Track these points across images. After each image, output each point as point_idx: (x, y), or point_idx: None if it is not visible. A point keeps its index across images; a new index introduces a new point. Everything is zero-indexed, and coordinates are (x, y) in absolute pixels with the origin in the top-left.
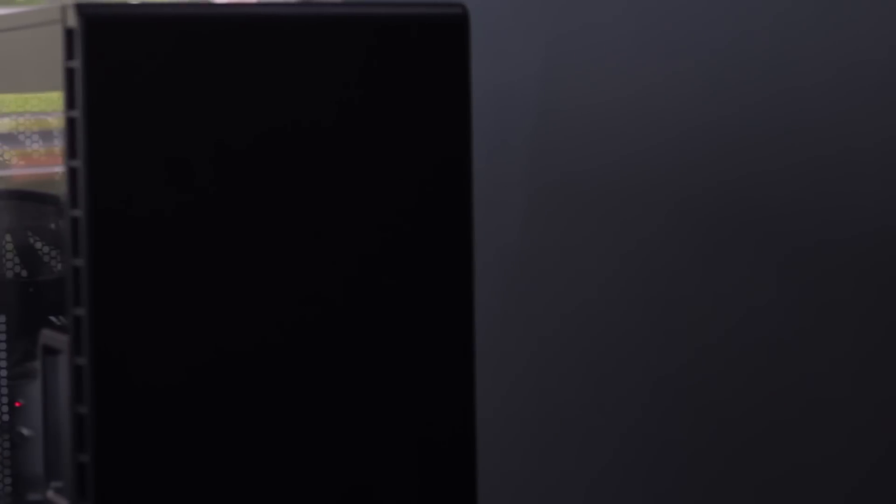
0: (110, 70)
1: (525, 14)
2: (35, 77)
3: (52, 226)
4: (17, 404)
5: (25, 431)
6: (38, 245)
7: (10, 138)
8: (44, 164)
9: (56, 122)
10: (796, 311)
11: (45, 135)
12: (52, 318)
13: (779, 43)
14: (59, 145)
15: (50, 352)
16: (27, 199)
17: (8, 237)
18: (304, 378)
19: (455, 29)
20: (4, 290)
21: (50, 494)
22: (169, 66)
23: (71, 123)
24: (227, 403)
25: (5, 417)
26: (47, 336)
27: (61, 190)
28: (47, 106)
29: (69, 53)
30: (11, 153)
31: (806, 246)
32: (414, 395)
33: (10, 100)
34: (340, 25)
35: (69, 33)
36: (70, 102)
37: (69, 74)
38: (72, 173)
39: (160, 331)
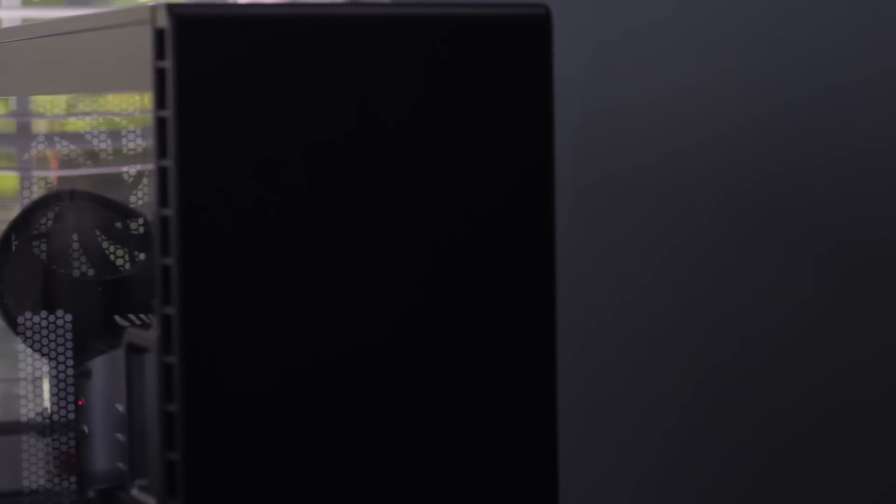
0: (200, 70)
1: (571, 14)
2: (115, 77)
3: (119, 225)
4: (79, 402)
5: (87, 429)
6: (106, 245)
7: (78, 138)
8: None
9: (126, 121)
10: (840, 307)
11: (114, 135)
12: (118, 318)
13: (822, 40)
14: (126, 145)
15: (135, 350)
16: (94, 199)
17: (75, 237)
18: (393, 378)
19: (538, 30)
20: (72, 290)
21: (135, 492)
22: (257, 65)
23: (161, 123)
24: (317, 403)
25: (71, 416)
26: (133, 334)
27: (128, 189)
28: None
29: (159, 54)
30: (79, 153)
31: (849, 242)
32: (498, 394)
33: (43, 101)
34: (424, 25)
35: (159, 33)
36: (160, 102)
37: (159, 75)
38: (162, 173)
39: (250, 330)
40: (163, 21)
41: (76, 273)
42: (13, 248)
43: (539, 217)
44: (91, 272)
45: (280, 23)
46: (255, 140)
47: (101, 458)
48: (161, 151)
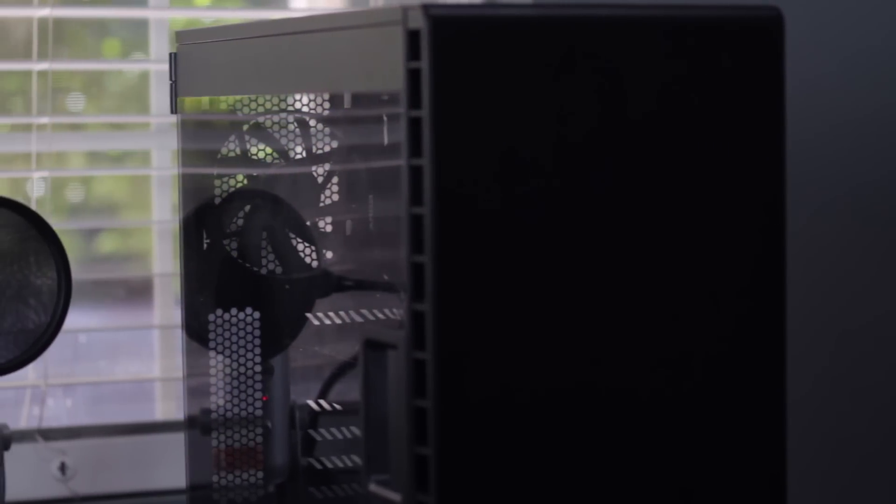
0: (454, 69)
1: None
2: (345, 76)
3: (308, 223)
4: (264, 398)
5: (270, 424)
6: (294, 242)
7: (268, 137)
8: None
9: (313, 120)
10: None
11: (305, 134)
12: (308, 315)
13: None
14: (315, 144)
15: (376, 347)
16: (281, 199)
17: (264, 234)
18: (641, 385)
19: (770, 31)
20: (259, 287)
21: (373, 487)
22: (507, 64)
23: (415, 123)
24: (567, 402)
25: (258, 412)
26: (374, 332)
27: (317, 189)
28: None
29: (413, 54)
30: (269, 152)
31: None
32: (729, 408)
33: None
34: (663, 25)
35: (413, 34)
36: (414, 102)
37: (412, 75)
38: (415, 172)
39: (501, 326)
40: (417, 22)
41: (264, 271)
42: (205, 246)
43: (770, 219)
44: (279, 269)
45: (530, 22)
46: (505, 138)
47: (281, 453)
48: (414, 150)
